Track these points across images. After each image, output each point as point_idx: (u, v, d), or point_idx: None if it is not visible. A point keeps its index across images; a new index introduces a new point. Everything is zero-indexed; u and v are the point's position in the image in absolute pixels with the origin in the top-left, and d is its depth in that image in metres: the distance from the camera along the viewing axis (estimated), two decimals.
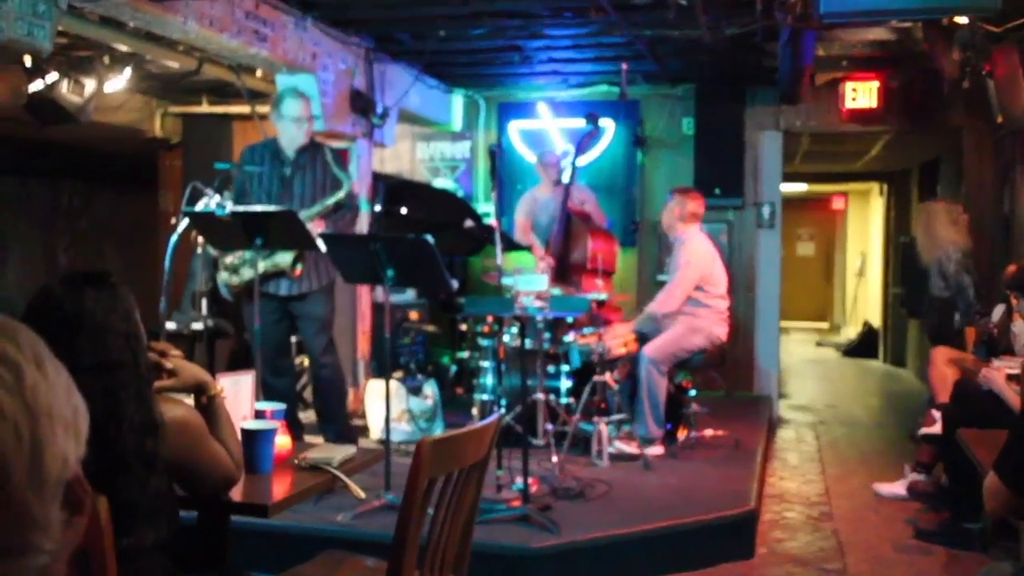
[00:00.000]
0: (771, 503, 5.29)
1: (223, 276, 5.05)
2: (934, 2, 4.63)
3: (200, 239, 5.94)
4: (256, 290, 4.61)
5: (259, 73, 6.41)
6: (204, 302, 6.50)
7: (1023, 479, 2.24)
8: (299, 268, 4.90)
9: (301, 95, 5.01)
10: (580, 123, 6.81)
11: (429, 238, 4.04)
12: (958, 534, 4.54)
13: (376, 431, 5.74)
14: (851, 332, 14.20)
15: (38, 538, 0.77)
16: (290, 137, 4.93)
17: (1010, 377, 4.28)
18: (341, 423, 5.25)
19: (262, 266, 4.75)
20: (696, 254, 5.60)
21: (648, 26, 5.98)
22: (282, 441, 2.55)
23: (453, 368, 7.09)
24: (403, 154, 8.32)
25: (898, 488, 5.34)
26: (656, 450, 5.42)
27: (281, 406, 2.72)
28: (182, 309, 6.78)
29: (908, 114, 7.49)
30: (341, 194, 4.85)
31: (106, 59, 6.15)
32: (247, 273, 4.88)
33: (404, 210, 6.06)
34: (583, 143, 6.35)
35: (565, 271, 6.22)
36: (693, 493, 4.75)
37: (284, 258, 4.85)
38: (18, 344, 0.82)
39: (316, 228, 4.76)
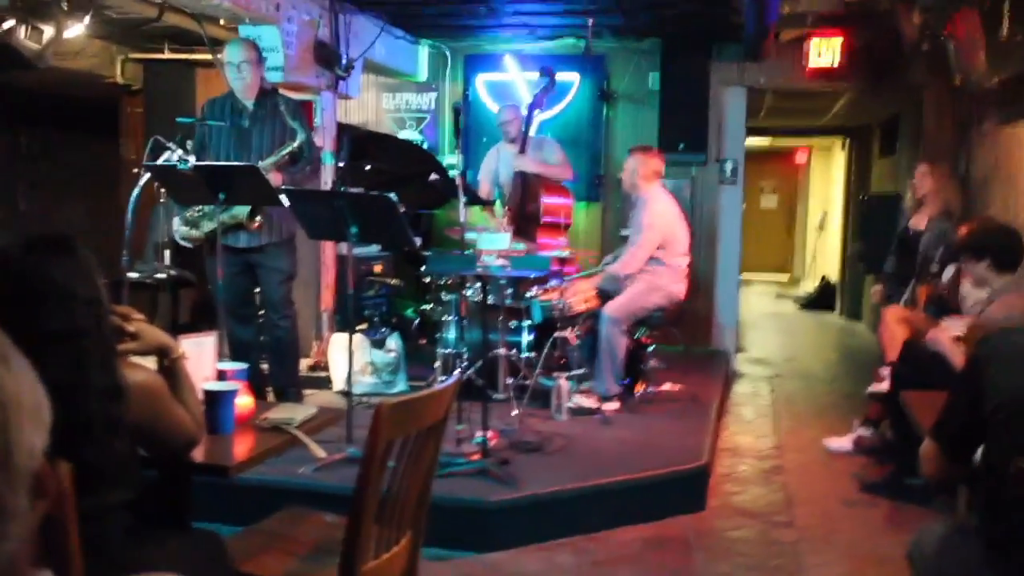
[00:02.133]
0: (724, 456, 5.44)
1: (182, 230, 5.05)
2: None
3: (163, 190, 5.92)
4: (218, 243, 4.64)
5: (222, 21, 6.32)
6: (167, 252, 6.49)
7: (957, 446, 2.34)
8: (257, 220, 4.92)
9: (245, 40, 5.05)
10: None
11: (393, 196, 4.07)
12: (901, 488, 4.71)
13: (339, 383, 5.80)
14: (810, 285, 14.41)
15: (6, 526, 0.80)
16: (239, 85, 4.96)
17: (957, 338, 4.42)
18: (297, 382, 5.33)
19: (220, 218, 4.80)
20: (658, 216, 5.66)
21: None
22: (244, 401, 2.60)
23: (417, 321, 7.14)
24: (368, 104, 8.28)
25: (846, 443, 5.51)
26: (613, 406, 5.53)
27: (243, 366, 2.77)
28: (145, 259, 6.76)
29: (870, 72, 7.56)
30: (294, 145, 4.86)
31: (64, 4, 6.02)
32: (207, 226, 4.92)
33: (368, 166, 6.05)
34: (539, 98, 6.34)
35: (521, 225, 6.25)
36: (648, 447, 4.87)
37: (241, 210, 4.87)
38: None
39: (273, 179, 4.77)
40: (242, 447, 2.46)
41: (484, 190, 6.58)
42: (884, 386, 5.10)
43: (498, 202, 6.52)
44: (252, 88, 4.99)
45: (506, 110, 6.59)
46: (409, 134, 8.31)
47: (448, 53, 8.28)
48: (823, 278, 13.28)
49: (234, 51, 4.95)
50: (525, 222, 6.22)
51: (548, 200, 6.10)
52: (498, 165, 6.57)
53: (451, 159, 7.91)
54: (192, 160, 4.50)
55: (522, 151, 6.23)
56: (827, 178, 15.45)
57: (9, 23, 5.65)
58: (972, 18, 5.59)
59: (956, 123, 7.27)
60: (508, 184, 6.40)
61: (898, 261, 6.22)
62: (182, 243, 5.19)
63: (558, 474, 4.34)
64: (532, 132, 6.38)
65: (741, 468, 5.26)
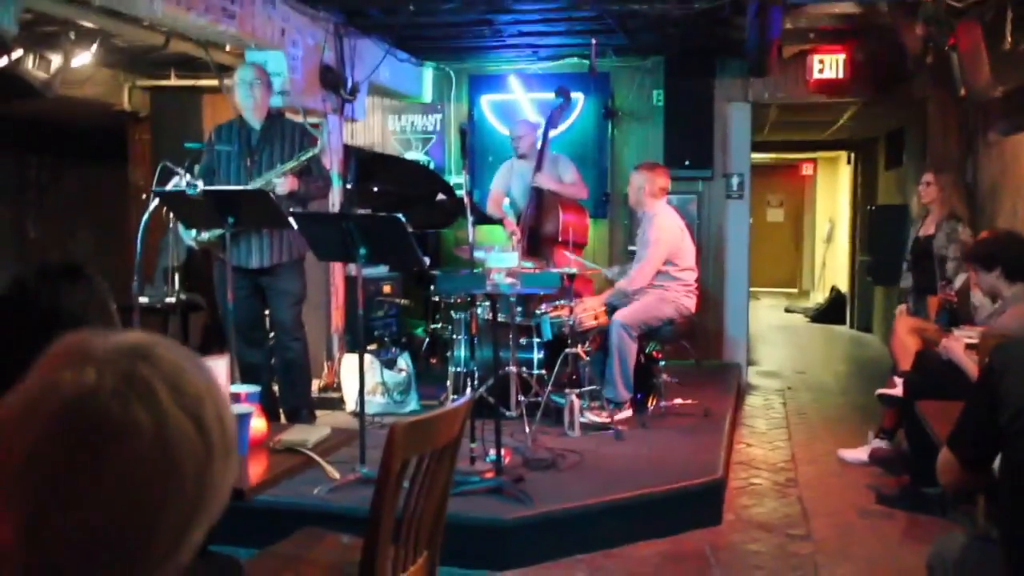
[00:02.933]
0: (739, 470, 5.41)
1: (192, 231, 5.06)
2: None
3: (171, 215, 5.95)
4: (228, 265, 4.65)
5: (228, 47, 6.37)
6: (176, 276, 6.50)
7: (974, 455, 2.32)
8: None
9: (254, 64, 5.13)
10: (551, 96, 6.85)
11: (400, 216, 4.09)
12: (918, 499, 4.68)
13: (351, 404, 5.81)
14: (819, 298, 14.38)
15: None
16: (249, 103, 5.01)
17: (969, 347, 4.40)
18: (309, 404, 5.34)
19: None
20: (664, 231, 5.67)
21: (617, 0, 6.00)
22: (257, 424, 2.61)
23: (426, 340, 7.15)
24: (374, 126, 8.32)
25: (861, 454, 5.49)
26: (625, 414, 5.52)
27: (255, 389, 2.77)
28: (154, 283, 6.78)
29: (874, 85, 7.57)
30: (316, 149, 4.93)
31: (72, 34, 6.08)
32: (217, 229, 4.91)
33: (375, 187, 6.08)
34: (554, 117, 6.38)
35: (537, 244, 6.27)
36: (663, 462, 4.85)
37: None
38: (224, 428, 0.83)
39: (289, 184, 4.81)
40: (257, 469, 2.46)
41: (495, 199, 6.58)
42: (896, 390, 5.08)
43: (510, 213, 6.52)
44: (261, 109, 5.05)
45: (519, 125, 6.63)
46: (415, 155, 8.34)
47: (452, 74, 8.32)
48: (833, 288, 13.25)
49: (247, 70, 5.05)
50: (540, 240, 6.24)
51: (567, 218, 6.13)
52: (511, 179, 6.59)
53: (458, 179, 7.94)
54: (200, 185, 4.52)
55: (539, 168, 6.26)
56: (833, 191, 15.44)
57: (18, 53, 5.72)
58: (975, 30, 5.60)
59: (961, 134, 7.27)
60: (522, 200, 6.42)
61: (915, 274, 6.14)
62: (192, 245, 5.20)
63: (572, 490, 4.33)
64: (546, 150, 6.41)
65: (756, 481, 5.24)
